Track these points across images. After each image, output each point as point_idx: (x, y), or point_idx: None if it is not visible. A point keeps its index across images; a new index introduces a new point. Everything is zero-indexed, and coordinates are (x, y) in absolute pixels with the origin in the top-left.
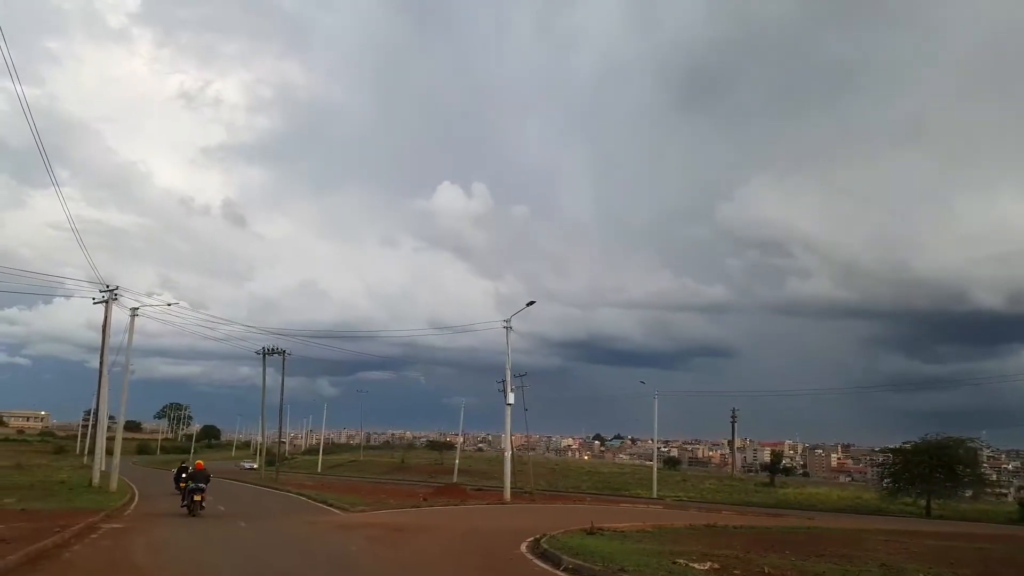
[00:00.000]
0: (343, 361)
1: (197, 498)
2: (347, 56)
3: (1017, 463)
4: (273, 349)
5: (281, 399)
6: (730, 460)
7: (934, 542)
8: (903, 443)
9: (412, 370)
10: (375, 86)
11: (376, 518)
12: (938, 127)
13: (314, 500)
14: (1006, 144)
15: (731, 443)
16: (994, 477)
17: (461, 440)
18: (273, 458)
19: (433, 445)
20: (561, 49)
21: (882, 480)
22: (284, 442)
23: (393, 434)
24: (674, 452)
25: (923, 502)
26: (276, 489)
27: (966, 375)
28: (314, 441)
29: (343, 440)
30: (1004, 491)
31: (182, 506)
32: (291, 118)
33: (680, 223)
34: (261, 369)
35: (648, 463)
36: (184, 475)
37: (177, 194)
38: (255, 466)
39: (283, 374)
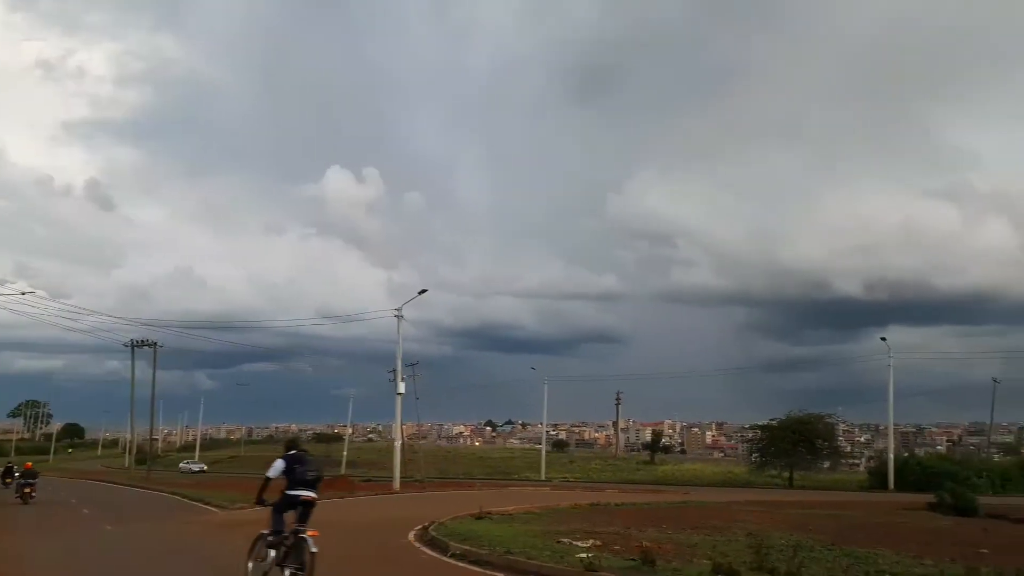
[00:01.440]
0: (224, 353)
1: (27, 490)
2: (229, 33)
3: (869, 436)
4: (143, 341)
5: (152, 393)
6: (614, 441)
7: (796, 511)
8: (770, 420)
9: (299, 361)
10: (260, 66)
11: (258, 515)
12: (808, 127)
13: (189, 499)
14: (867, 144)
15: (615, 424)
16: (849, 449)
17: (350, 431)
18: (144, 456)
19: (320, 438)
20: (457, 38)
21: (751, 455)
22: (157, 439)
23: (278, 427)
24: (562, 435)
25: (787, 474)
26: (147, 489)
27: (828, 357)
28: (190, 437)
29: (223, 436)
30: (857, 462)
31: (15, 497)
32: (165, 95)
33: (573, 214)
34: (130, 362)
35: (537, 447)
36: (9, 476)
37: (35, 173)
38: (204, 468)
39: (154, 367)
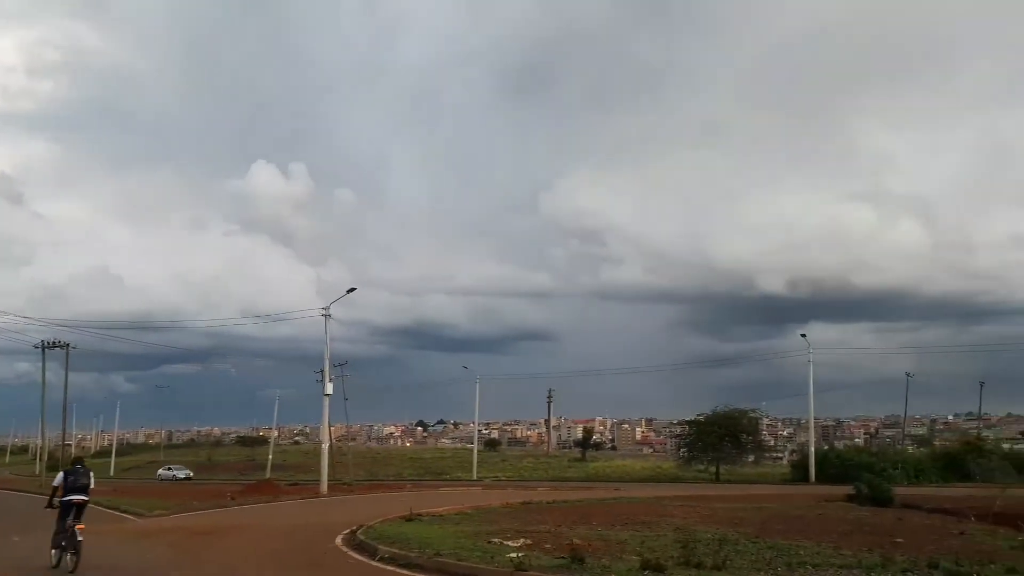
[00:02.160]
0: (143, 354)
1: None
2: (153, 23)
3: (791, 429)
4: (55, 342)
5: (65, 397)
6: (546, 439)
7: (722, 505)
8: (697, 416)
9: (223, 362)
10: (185, 57)
11: (177, 522)
12: (734, 129)
13: (103, 506)
14: (791, 146)
15: (547, 422)
16: (772, 443)
17: (275, 434)
18: (56, 463)
19: (244, 441)
20: (389, 33)
21: (679, 450)
22: (69, 444)
23: (199, 431)
24: (495, 434)
25: (713, 468)
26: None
27: (753, 353)
28: (106, 442)
29: (141, 440)
30: (780, 455)
31: None
32: (83, 86)
33: (507, 212)
34: (41, 365)
35: (469, 446)
36: None
37: None
38: (190, 475)
39: (66, 369)
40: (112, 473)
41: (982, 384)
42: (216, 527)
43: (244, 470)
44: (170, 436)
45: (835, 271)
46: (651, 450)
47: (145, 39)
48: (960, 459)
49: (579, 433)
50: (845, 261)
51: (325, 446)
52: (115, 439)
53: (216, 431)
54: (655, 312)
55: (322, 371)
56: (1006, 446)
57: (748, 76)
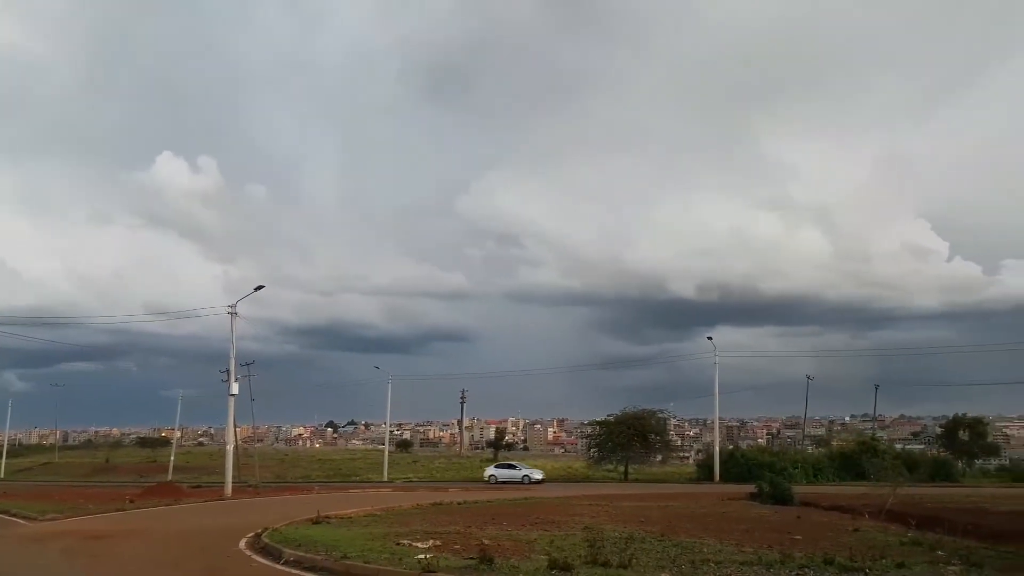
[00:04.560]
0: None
1: None
2: (54, 7)
3: (697, 430)
4: None
5: None
6: (459, 439)
7: (629, 504)
8: (607, 416)
9: (125, 360)
10: (88, 44)
11: (72, 526)
12: (649, 136)
13: None
14: (703, 154)
15: (460, 423)
16: (679, 443)
17: (178, 435)
18: None
19: (145, 442)
20: (307, 29)
21: (589, 450)
22: None
23: (97, 431)
24: (407, 435)
25: (622, 468)
26: None
27: (663, 355)
28: None
29: (34, 441)
30: (687, 455)
31: None
32: None
33: (424, 212)
34: None
35: (380, 447)
36: None
37: None
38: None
39: None
40: (2, 475)
41: (877, 387)
42: (113, 531)
43: (144, 472)
44: (66, 437)
45: (743, 276)
46: (562, 450)
47: (46, 22)
48: (856, 459)
49: (492, 434)
50: (752, 267)
51: (230, 447)
52: (5, 439)
53: (116, 432)
54: (571, 314)
55: (228, 370)
56: (898, 446)
57: (666, 84)
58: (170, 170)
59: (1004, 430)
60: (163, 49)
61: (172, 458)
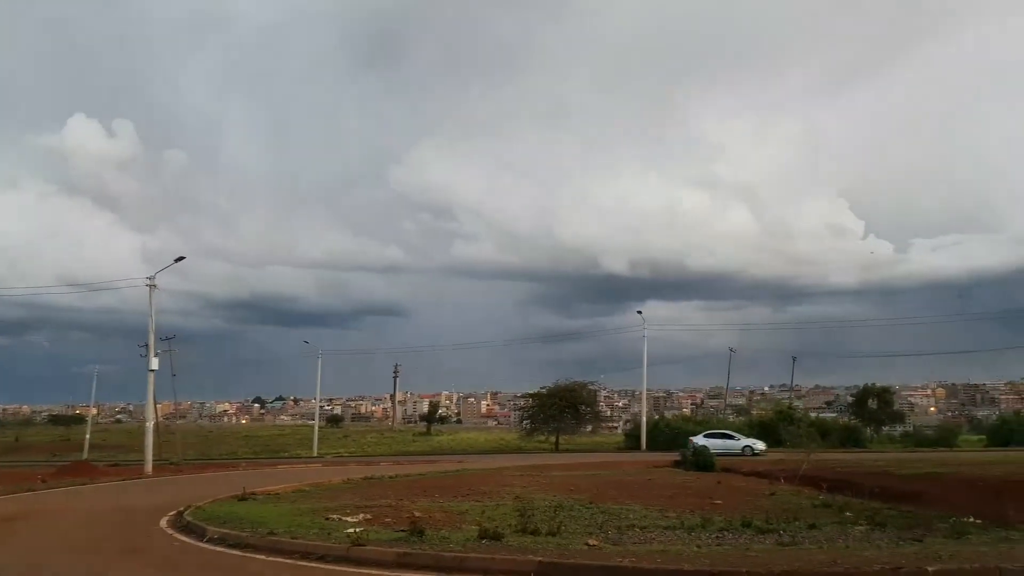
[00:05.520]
0: None
1: None
2: None
3: (626, 400)
4: None
5: None
6: (392, 413)
7: (560, 473)
8: (540, 389)
9: (35, 335)
10: None
11: None
12: (584, 111)
13: None
14: (636, 131)
15: (393, 397)
16: (609, 413)
17: (94, 412)
18: None
19: (58, 420)
20: None
21: (522, 422)
22: None
23: (5, 409)
24: (338, 410)
25: (554, 438)
26: None
27: (594, 329)
28: None
29: None
30: (616, 425)
31: None
32: None
33: (357, 182)
34: None
35: (310, 423)
36: None
37: None
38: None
39: None
40: None
41: (794, 359)
42: (23, 512)
43: (58, 451)
44: None
45: (671, 253)
46: (496, 423)
47: None
48: (773, 427)
49: (425, 408)
50: (681, 243)
51: (150, 424)
52: None
53: (26, 409)
54: (506, 289)
55: (147, 345)
56: (813, 414)
57: (601, 60)
58: (82, 134)
59: (909, 399)
60: (71, 3)
61: (88, 436)
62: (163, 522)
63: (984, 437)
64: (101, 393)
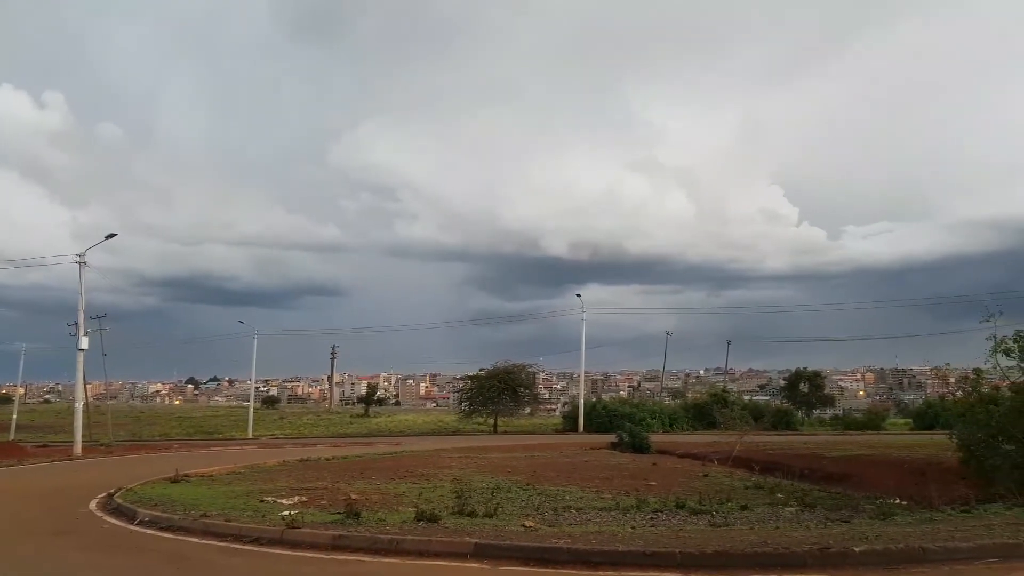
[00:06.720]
0: None
1: None
2: None
3: (564, 383)
4: None
5: None
6: (329, 395)
7: (498, 455)
8: (479, 371)
9: None
10: None
11: None
12: (527, 93)
13: None
14: (579, 114)
15: (330, 378)
16: (547, 395)
17: (21, 391)
18: None
19: None
20: None
21: (461, 404)
22: None
23: None
24: (274, 391)
25: (492, 420)
26: None
27: (534, 311)
28: None
29: None
30: (554, 407)
31: None
32: None
33: (296, 160)
34: None
35: (245, 404)
36: None
37: None
38: None
39: None
40: None
41: (729, 343)
42: None
43: None
44: None
45: (612, 236)
46: (434, 404)
47: None
48: (708, 409)
49: (363, 389)
50: (620, 227)
51: (79, 404)
52: None
53: None
54: (447, 270)
55: (76, 323)
56: (747, 398)
57: (543, 41)
58: (10, 105)
59: (839, 383)
60: None
61: (14, 416)
62: (92, 504)
63: (910, 421)
64: (29, 372)
